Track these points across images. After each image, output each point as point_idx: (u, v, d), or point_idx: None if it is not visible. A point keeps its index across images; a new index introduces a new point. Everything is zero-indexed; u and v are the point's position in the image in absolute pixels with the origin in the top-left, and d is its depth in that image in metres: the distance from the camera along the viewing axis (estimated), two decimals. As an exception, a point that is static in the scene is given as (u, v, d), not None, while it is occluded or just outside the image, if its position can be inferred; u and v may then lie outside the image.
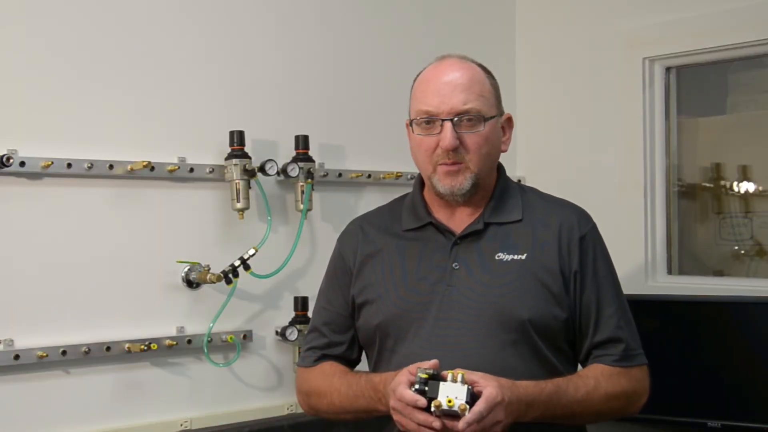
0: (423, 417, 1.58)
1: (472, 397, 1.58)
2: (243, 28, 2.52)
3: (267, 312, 2.54)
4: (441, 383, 1.58)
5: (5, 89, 2.12)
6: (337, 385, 1.85)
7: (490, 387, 1.59)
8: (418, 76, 1.86)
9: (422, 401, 1.58)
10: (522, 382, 1.67)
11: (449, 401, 1.56)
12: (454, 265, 1.82)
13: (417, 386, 1.59)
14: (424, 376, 1.60)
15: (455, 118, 1.76)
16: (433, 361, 1.63)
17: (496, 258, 1.81)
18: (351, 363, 1.96)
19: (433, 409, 1.57)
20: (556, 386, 1.71)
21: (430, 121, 1.79)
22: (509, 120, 1.89)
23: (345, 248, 1.96)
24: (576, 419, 1.80)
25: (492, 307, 1.77)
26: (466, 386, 1.57)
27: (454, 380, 1.58)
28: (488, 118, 1.79)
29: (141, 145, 2.31)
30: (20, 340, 2.13)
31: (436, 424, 1.57)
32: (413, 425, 1.60)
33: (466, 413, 1.56)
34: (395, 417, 1.64)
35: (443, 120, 1.77)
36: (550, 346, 1.79)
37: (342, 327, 1.94)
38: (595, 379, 1.76)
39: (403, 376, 1.63)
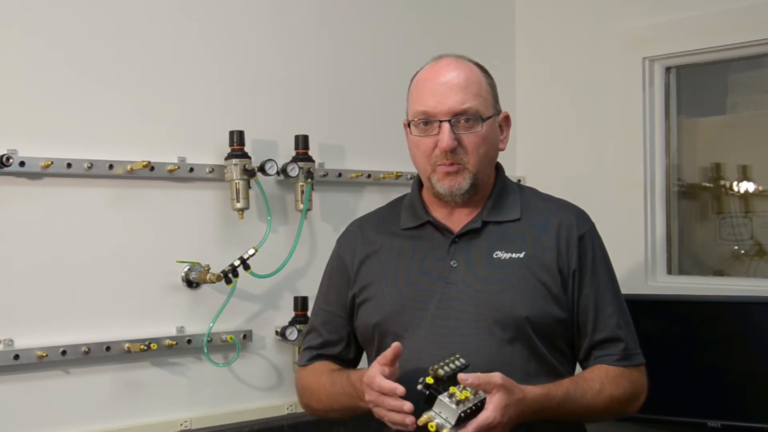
0: (396, 403, 1.58)
1: (469, 416, 1.55)
2: (243, 28, 2.52)
3: (267, 312, 2.55)
4: (440, 397, 1.56)
5: (5, 89, 2.12)
6: (323, 382, 1.86)
7: (490, 410, 1.55)
8: (414, 76, 1.86)
9: (401, 390, 1.57)
10: (533, 392, 1.65)
11: (432, 426, 1.53)
12: (452, 263, 1.82)
13: (419, 386, 1.58)
14: (430, 381, 1.57)
15: (453, 119, 1.77)
16: (394, 344, 1.62)
17: (494, 256, 1.81)
18: (348, 363, 1.96)
19: (419, 422, 1.55)
20: (565, 393, 1.70)
21: (427, 122, 1.79)
22: (507, 118, 1.89)
23: (344, 249, 1.97)
24: (577, 420, 1.81)
25: (490, 304, 1.77)
26: (459, 410, 1.53)
27: (451, 397, 1.54)
28: (486, 118, 1.79)
29: (141, 145, 2.31)
30: (20, 340, 2.13)
31: (407, 407, 1.57)
32: (386, 413, 1.60)
33: None
34: (374, 411, 1.65)
35: (441, 121, 1.77)
36: (548, 345, 1.79)
37: (339, 327, 1.95)
38: (600, 382, 1.76)
39: (374, 368, 1.63)
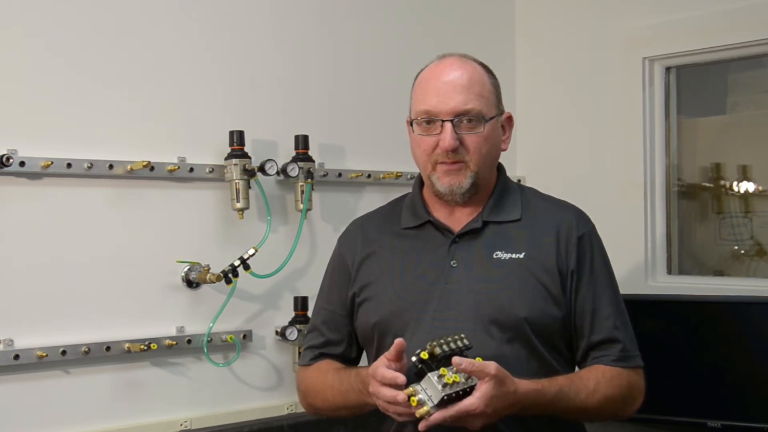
0: (390, 393, 1.59)
1: (453, 400, 1.56)
2: (243, 28, 2.52)
3: (267, 312, 2.54)
4: (429, 374, 1.57)
5: (5, 89, 2.12)
6: (330, 381, 1.86)
7: (476, 397, 1.57)
8: (418, 74, 1.86)
9: (401, 379, 1.58)
10: (526, 386, 1.66)
11: (413, 401, 1.55)
12: (452, 263, 1.82)
13: (413, 357, 1.59)
14: (424, 356, 1.58)
15: (455, 119, 1.77)
16: (397, 341, 1.62)
17: (494, 256, 1.81)
18: (350, 362, 1.96)
19: (405, 392, 1.57)
20: (558, 390, 1.71)
21: (430, 121, 1.79)
22: (509, 119, 1.89)
23: (345, 248, 1.97)
24: (570, 417, 1.80)
25: (490, 305, 1.77)
26: (443, 393, 1.54)
27: (440, 378, 1.55)
28: (488, 118, 1.79)
29: (141, 145, 2.31)
30: (20, 339, 2.13)
31: (400, 397, 1.57)
32: (382, 403, 1.61)
33: (426, 417, 1.54)
34: (378, 404, 1.65)
35: (443, 120, 1.77)
36: (547, 346, 1.79)
37: (340, 326, 1.95)
38: (595, 382, 1.76)
39: (380, 360, 1.64)
